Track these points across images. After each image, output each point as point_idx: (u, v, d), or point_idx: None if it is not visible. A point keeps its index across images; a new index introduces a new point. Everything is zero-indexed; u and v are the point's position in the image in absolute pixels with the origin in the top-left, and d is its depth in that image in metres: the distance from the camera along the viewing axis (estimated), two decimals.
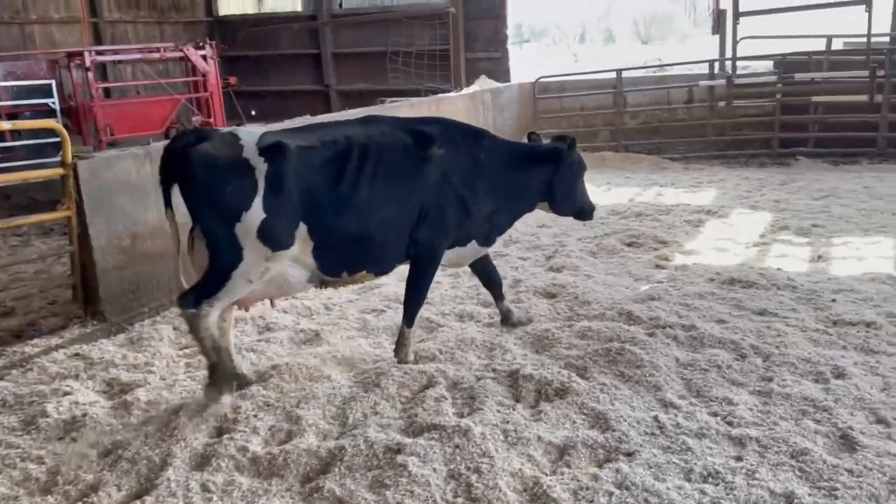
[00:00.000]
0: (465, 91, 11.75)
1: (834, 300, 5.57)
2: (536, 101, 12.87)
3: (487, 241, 5.00)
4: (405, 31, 13.97)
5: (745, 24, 12.00)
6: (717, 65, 11.79)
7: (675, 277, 6.40)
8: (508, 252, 7.31)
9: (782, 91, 11.18)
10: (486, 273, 5.32)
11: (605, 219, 8.53)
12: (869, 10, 9.80)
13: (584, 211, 5.18)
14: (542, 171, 4.91)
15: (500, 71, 13.86)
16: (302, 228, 4.16)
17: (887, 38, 10.73)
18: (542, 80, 13.02)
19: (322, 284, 4.60)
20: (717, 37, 12.08)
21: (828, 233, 7.46)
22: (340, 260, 4.39)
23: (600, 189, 10.11)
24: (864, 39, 10.25)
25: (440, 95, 10.68)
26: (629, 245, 7.50)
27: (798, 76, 11.01)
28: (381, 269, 4.67)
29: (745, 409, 4.05)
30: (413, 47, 13.84)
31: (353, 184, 4.23)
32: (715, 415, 4.01)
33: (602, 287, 6.17)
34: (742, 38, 11.34)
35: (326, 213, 4.20)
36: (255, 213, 3.99)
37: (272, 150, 4.05)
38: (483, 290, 5.58)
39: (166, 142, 4.58)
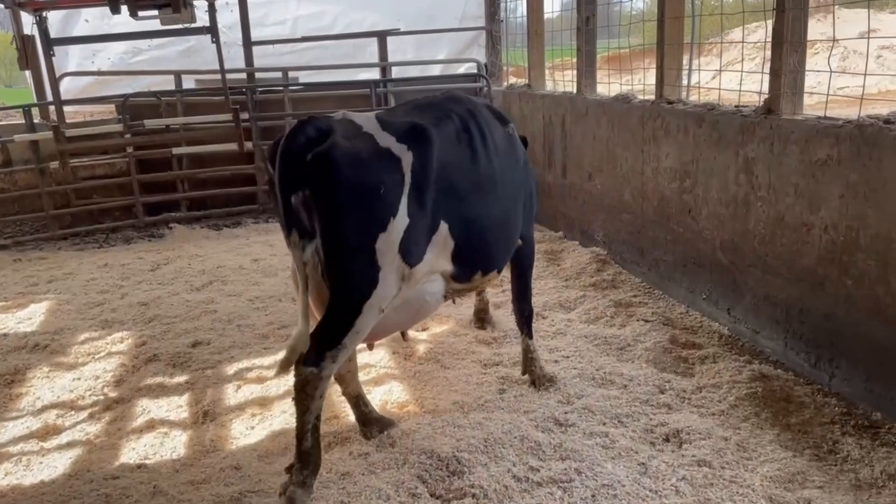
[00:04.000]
0: None
1: None
2: None
3: None
4: None
5: (68, 58, 9.06)
6: (35, 112, 8.46)
7: None
8: None
9: (133, 143, 8.56)
10: None
11: None
12: (216, 40, 7.90)
13: None
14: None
15: None
16: (443, 228, 3.36)
17: (244, 75, 9.14)
18: None
19: (450, 296, 3.69)
20: (33, 75, 8.70)
21: (214, 354, 5.09)
22: (477, 259, 3.62)
23: None
24: (219, 76, 8.35)
25: None
26: None
27: (149, 123, 8.54)
28: (503, 266, 3.92)
29: None
30: None
31: (480, 165, 3.54)
32: None
33: None
34: (63, 76, 8.31)
35: (465, 204, 3.43)
36: (401, 220, 3.13)
37: (413, 134, 3.22)
38: None
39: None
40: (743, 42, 5.43)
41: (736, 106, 4.94)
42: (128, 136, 8.53)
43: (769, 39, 4.45)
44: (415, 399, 4.23)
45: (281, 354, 4.94)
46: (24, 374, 4.89)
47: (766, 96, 4.55)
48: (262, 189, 9.12)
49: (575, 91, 7.28)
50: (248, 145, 8.75)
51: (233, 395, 4.47)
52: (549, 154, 7.83)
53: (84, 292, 6.60)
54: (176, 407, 4.36)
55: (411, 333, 5.09)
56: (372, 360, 4.78)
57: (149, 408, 4.36)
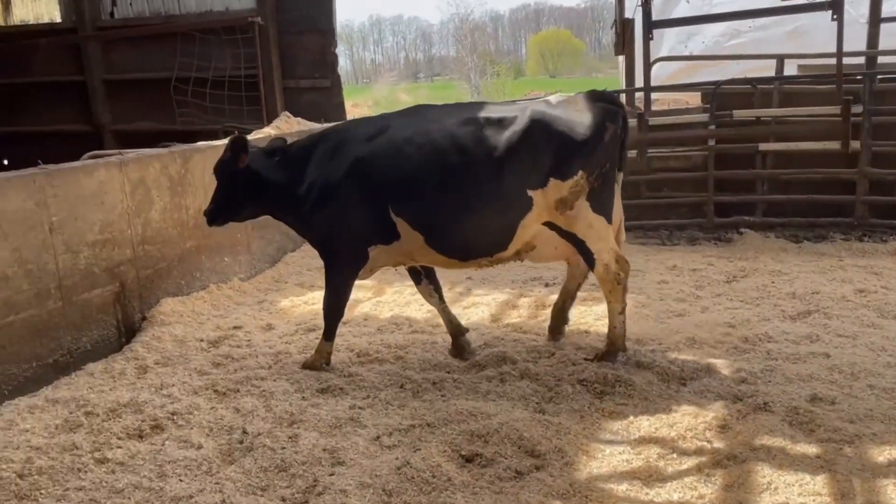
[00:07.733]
0: (260, 134, 7.76)
1: None
2: None
3: None
4: (198, 50, 9.93)
5: (663, 42, 8.66)
6: (623, 98, 8.26)
7: None
8: None
9: (716, 136, 7.72)
10: None
11: None
12: (839, 16, 6.45)
13: None
14: None
15: (330, 105, 9.94)
16: None
17: (862, 59, 7.46)
18: None
19: None
20: (622, 60, 8.57)
21: (846, 421, 3.81)
22: None
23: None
24: (831, 61, 6.91)
25: (189, 146, 6.59)
26: None
27: (737, 114, 7.58)
28: None
29: None
30: (208, 72, 9.83)
31: None
32: None
33: None
34: (656, 61, 7.88)
35: None
36: None
37: None
38: None
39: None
40: None
41: None
42: (712, 127, 7.72)
43: None
44: None
45: None
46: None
47: None
48: (862, 200, 7.40)
49: None
50: (855, 144, 7.11)
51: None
52: None
53: (659, 297, 6.01)
54: (812, 493, 3.25)
55: None
56: None
57: (773, 481, 3.34)
